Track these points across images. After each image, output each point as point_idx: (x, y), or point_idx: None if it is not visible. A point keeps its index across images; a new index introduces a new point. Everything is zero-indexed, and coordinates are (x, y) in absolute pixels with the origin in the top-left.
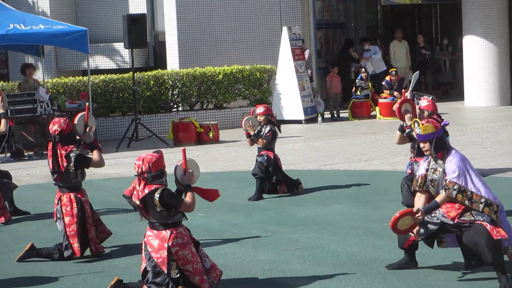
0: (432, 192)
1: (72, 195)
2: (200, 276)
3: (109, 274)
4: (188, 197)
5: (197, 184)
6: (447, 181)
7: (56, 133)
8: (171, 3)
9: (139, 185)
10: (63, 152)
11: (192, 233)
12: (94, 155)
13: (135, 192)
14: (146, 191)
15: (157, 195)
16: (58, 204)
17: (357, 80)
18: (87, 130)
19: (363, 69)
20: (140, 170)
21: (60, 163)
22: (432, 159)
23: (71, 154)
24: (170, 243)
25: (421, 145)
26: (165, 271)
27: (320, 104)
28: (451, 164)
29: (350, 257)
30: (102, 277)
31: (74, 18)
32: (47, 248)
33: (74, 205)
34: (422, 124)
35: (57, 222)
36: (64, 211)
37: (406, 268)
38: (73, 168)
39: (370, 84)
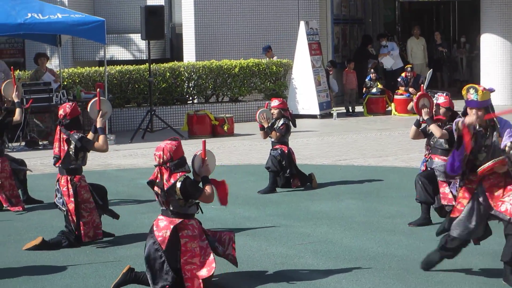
0: (480, 158)
1: (69, 178)
2: (209, 265)
3: (121, 264)
4: (208, 188)
5: (210, 176)
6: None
7: (61, 117)
8: None
9: (162, 175)
10: (64, 136)
11: (205, 225)
12: (100, 140)
13: (158, 182)
14: (172, 180)
15: (179, 183)
16: (57, 184)
17: (366, 81)
18: (99, 115)
19: (372, 70)
20: (161, 160)
21: (62, 147)
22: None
23: (75, 136)
24: (180, 233)
25: (473, 112)
26: (163, 248)
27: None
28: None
29: (363, 252)
30: (114, 267)
31: (92, 8)
32: (55, 238)
33: (69, 186)
34: (481, 90)
35: (55, 200)
36: (62, 191)
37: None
38: (73, 150)
39: (378, 83)
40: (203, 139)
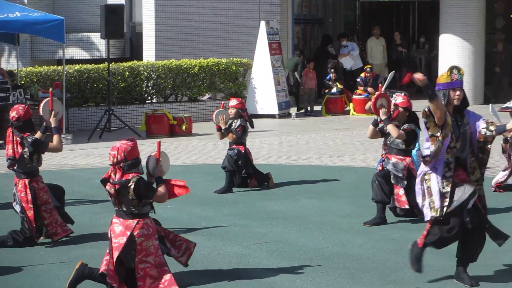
0: (457, 147)
1: (27, 182)
2: (159, 268)
3: (75, 264)
4: (161, 188)
5: (166, 176)
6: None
7: (14, 119)
8: None
9: (115, 175)
10: (18, 139)
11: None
12: (54, 140)
13: (110, 181)
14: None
15: (132, 183)
16: (14, 188)
17: (325, 81)
18: (52, 115)
19: (332, 70)
20: (115, 159)
21: (15, 149)
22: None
23: (28, 139)
24: (135, 233)
25: (457, 93)
26: (114, 258)
27: None
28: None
29: (318, 252)
30: (68, 267)
31: (51, 7)
32: (1, 236)
33: (28, 191)
34: (462, 70)
35: (13, 204)
36: (20, 196)
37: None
38: (28, 154)
39: (338, 83)
40: (158, 140)
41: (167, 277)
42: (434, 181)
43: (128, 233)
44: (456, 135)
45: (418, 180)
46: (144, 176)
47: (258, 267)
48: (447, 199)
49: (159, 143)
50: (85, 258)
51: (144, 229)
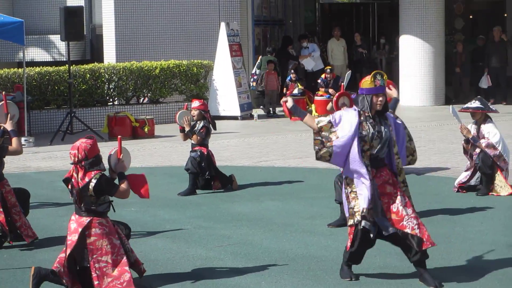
0: (375, 146)
1: None
2: (121, 267)
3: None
4: (123, 184)
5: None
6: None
7: None
8: None
9: (77, 174)
10: None
11: None
12: (13, 143)
13: (72, 180)
14: (87, 179)
15: (94, 180)
16: None
17: (286, 81)
18: (8, 118)
19: (292, 71)
20: (76, 158)
21: None
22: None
23: None
24: (87, 232)
25: (380, 98)
26: (66, 254)
27: None
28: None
29: (282, 254)
30: None
31: (10, 9)
32: None
33: None
34: (385, 75)
35: None
36: None
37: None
38: None
39: (299, 84)
40: (118, 136)
41: (126, 277)
42: (358, 186)
43: (80, 230)
44: (371, 136)
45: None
46: (107, 173)
47: (222, 269)
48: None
49: (120, 138)
50: (49, 261)
51: (98, 228)
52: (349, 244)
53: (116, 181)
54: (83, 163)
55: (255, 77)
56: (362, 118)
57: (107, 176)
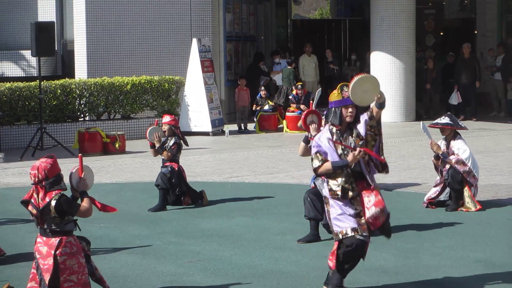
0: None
1: None
2: (84, 286)
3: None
4: (85, 203)
5: (100, 194)
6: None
7: None
8: (81, 12)
9: (38, 194)
10: None
11: (94, 244)
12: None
13: (32, 200)
14: (47, 199)
15: (53, 201)
16: None
17: (257, 99)
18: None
19: (262, 88)
20: (36, 179)
21: None
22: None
23: None
24: (57, 252)
25: (349, 110)
26: (46, 280)
27: None
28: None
29: (252, 269)
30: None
31: None
32: None
33: None
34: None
35: None
36: None
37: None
38: None
39: (269, 101)
40: (79, 154)
41: None
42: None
43: (53, 252)
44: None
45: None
46: (68, 192)
47: (192, 285)
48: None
49: (81, 157)
50: (17, 278)
51: (67, 247)
52: (333, 263)
53: (79, 200)
54: (43, 183)
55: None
56: (335, 137)
57: (66, 196)
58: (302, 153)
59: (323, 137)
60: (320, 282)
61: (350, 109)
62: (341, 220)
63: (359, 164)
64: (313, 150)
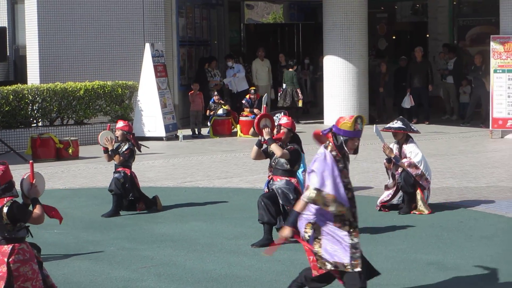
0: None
1: None
2: None
3: None
4: (37, 209)
5: (53, 200)
6: None
7: None
8: (33, 17)
9: None
10: None
11: (47, 250)
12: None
13: None
14: None
15: (5, 208)
16: None
17: (210, 104)
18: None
19: (215, 92)
20: None
21: None
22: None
23: None
24: (10, 259)
25: (356, 143)
26: (4, 283)
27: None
28: None
29: (206, 274)
30: None
31: None
32: None
33: None
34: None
35: None
36: None
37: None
38: None
39: (223, 106)
40: (30, 161)
41: None
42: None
43: (6, 260)
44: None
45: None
46: (20, 199)
47: None
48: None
49: (32, 163)
50: None
51: (20, 254)
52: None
53: (31, 207)
54: None
55: (280, 92)
56: (340, 164)
57: (18, 202)
58: (255, 157)
59: (329, 158)
60: (274, 286)
61: (356, 143)
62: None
63: None
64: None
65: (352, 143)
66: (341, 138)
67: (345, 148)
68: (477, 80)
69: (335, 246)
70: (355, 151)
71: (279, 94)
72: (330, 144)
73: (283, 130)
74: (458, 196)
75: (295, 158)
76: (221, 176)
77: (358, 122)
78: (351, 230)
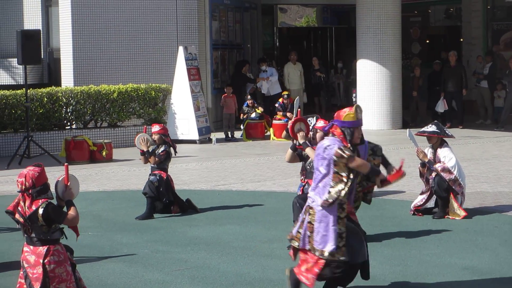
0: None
1: None
2: None
3: None
4: (71, 211)
5: (87, 202)
6: None
7: None
8: (67, 20)
9: (25, 202)
10: None
11: (82, 252)
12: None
13: (19, 209)
14: (34, 207)
15: (41, 209)
16: None
17: (243, 107)
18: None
19: (249, 96)
20: (23, 187)
21: None
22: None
23: None
24: (46, 260)
25: (361, 132)
26: (40, 285)
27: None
28: None
29: (240, 278)
30: None
31: None
32: None
33: None
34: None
35: None
36: None
37: None
38: None
39: (257, 110)
40: (65, 163)
41: None
42: (329, 222)
43: (41, 261)
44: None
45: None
46: (54, 201)
47: None
48: (343, 240)
49: (67, 166)
50: (5, 287)
51: (55, 255)
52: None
53: (65, 209)
54: (30, 191)
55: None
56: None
57: (54, 204)
58: (289, 160)
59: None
60: None
61: (361, 132)
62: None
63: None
64: (332, 148)
65: (358, 132)
66: (348, 129)
67: (353, 139)
68: (511, 84)
69: None
70: (362, 140)
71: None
72: (336, 137)
73: (319, 133)
74: (493, 201)
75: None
76: (254, 179)
77: (358, 112)
78: (339, 220)
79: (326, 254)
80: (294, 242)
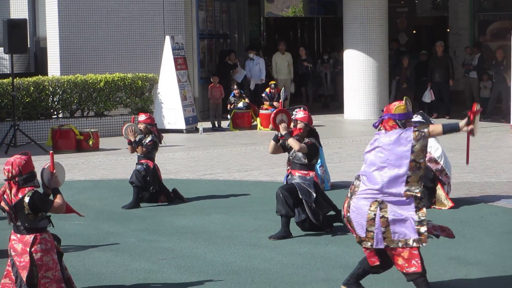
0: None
1: None
2: (58, 284)
3: None
4: (58, 199)
5: (73, 191)
6: None
7: None
8: (53, 9)
9: (11, 190)
10: None
11: (68, 241)
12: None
13: (5, 197)
14: (20, 195)
15: (27, 198)
16: None
17: (230, 98)
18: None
19: (235, 86)
20: (10, 174)
21: None
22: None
23: None
24: (33, 248)
25: (412, 123)
26: (24, 277)
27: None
28: None
29: (226, 267)
30: None
31: None
32: None
33: None
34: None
35: None
36: None
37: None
38: None
39: (243, 100)
40: (50, 151)
41: None
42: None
43: (28, 249)
44: None
45: (365, 203)
46: (41, 190)
47: (166, 283)
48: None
49: (52, 153)
50: None
51: (42, 244)
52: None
53: (51, 197)
54: (16, 179)
55: None
56: None
57: (40, 192)
58: (272, 151)
59: None
60: (294, 279)
61: (412, 123)
62: None
63: None
64: (407, 134)
65: (409, 124)
66: (400, 122)
67: None
68: (498, 75)
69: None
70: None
71: None
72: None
73: (300, 124)
74: (479, 191)
75: (313, 152)
76: (241, 169)
77: (408, 104)
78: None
79: (410, 242)
80: (367, 243)
